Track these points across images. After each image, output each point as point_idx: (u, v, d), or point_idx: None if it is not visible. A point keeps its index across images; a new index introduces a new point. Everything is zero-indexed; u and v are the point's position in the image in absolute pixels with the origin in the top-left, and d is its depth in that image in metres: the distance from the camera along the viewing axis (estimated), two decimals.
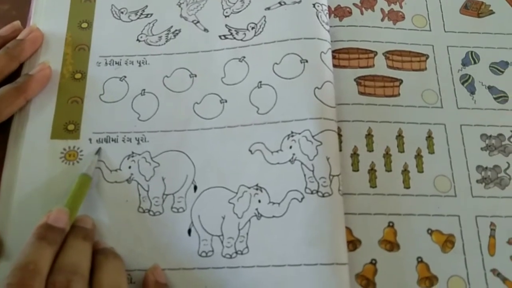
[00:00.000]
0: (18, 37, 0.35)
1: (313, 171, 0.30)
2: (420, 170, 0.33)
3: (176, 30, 0.36)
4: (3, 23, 0.35)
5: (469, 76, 0.36)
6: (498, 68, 0.36)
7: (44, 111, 0.33)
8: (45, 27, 0.36)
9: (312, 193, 0.30)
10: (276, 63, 0.34)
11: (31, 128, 0.33)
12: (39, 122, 0.33)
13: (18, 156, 0.32)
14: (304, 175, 0.30)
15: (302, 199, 0.30)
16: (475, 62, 0.36)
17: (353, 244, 0.31)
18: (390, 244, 0.31)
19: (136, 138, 0.33)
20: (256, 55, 0.35)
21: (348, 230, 0.31)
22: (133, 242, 0.30)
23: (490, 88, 0.36)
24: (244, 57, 0.35)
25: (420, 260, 0.30)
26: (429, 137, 0.34)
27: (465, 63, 0.36)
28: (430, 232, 0.31)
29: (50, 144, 0.32)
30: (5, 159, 0.32)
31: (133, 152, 0.32)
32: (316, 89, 0.33)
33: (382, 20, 0.37)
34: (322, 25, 0.35)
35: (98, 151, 0.32)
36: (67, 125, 0.33)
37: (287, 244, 0.29)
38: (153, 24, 0.36)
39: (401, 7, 0.38)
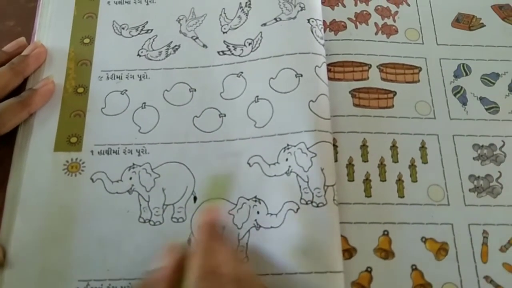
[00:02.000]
0: (23, 53, 0.35)
1: (307, 182, 0.31)
2: (414, 180, 0.33)
3: (175, 46, 0.37)
4: (8, 39, 0.36)
5: (461, 87, 0.36)
6: (489, 79, 0.37)
7: (47, 124, 0.34)
8: (49, 43, 0.37)
9: (306, 203, 0.30)
10: (272, 78, 0.34)
11: (35, 141, 0.33)
12: (42, 135, 0.34)
13: (23, 168, 0.32)
14: (299, 186, 0.31)
15: (297, 209, 0.30)
16: (466, 74, 0.37)
17: (349, 252, 0.31)
18: (385, 252, 0.31)
19: (137, 150, 0.33)
20: (253, 70, 0.35)
21: (344, 239, 0.31)
22: (134, 251, 0.30)
23: (481, 99, 0.36)
24: (241, 72, 0.35)
25: (414, 268, 0.31)
26: (423, 147, 0.34)
27: (457, 75, 0.37)
28: (424, 240, 0.32)
29: (53, 156, 0.33)
30: (10, 171, 0.33)
31: (134, 164, 0.33)
32: (310, 102, 0.33)
33: (376, 34, 0.38)
34: (317, 40, 0.35)
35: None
36: (70, 138, 0.34)
37: (284, 254, 0.30)
38: (153, 40, 0.37)
39: (394, 21, 0.39)
